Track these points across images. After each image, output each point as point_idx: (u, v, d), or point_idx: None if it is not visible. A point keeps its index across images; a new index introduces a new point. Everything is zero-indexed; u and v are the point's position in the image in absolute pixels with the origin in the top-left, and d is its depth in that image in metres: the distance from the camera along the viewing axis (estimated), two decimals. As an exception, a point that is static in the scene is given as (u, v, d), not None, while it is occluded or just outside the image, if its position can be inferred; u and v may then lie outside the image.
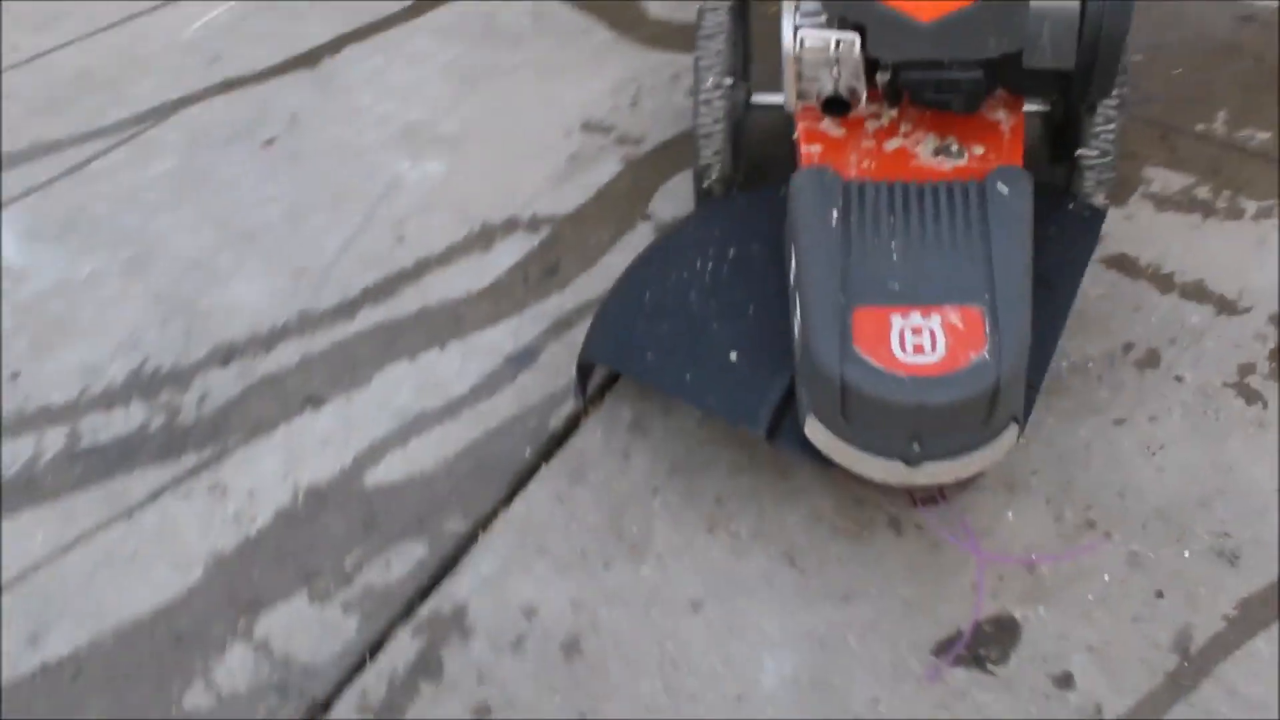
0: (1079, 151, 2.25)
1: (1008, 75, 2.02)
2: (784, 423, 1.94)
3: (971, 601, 1.94)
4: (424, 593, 1.98)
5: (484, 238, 2.55)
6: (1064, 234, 2.21)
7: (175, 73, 3.02)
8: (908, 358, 1.80)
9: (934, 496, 2.03)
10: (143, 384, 2.31)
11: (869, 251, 1.93)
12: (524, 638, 1.92)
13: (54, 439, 2.21)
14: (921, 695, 1.83)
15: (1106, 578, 1.96)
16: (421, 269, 2.49)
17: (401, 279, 2.47)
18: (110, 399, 2.28)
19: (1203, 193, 2.55)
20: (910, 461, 1.84)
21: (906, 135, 2.12)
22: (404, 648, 1.91)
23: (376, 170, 2.72)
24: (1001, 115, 2.15)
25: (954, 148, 2.09)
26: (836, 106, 2.04)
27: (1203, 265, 2.39)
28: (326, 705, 1.86)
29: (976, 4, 1.92)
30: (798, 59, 2.01)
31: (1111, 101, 2.21)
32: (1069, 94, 2.05)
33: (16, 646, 1.93)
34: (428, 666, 1.89)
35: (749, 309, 2.07)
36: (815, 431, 1.89)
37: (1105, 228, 2.32)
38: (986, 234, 1.93)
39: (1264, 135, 2.66)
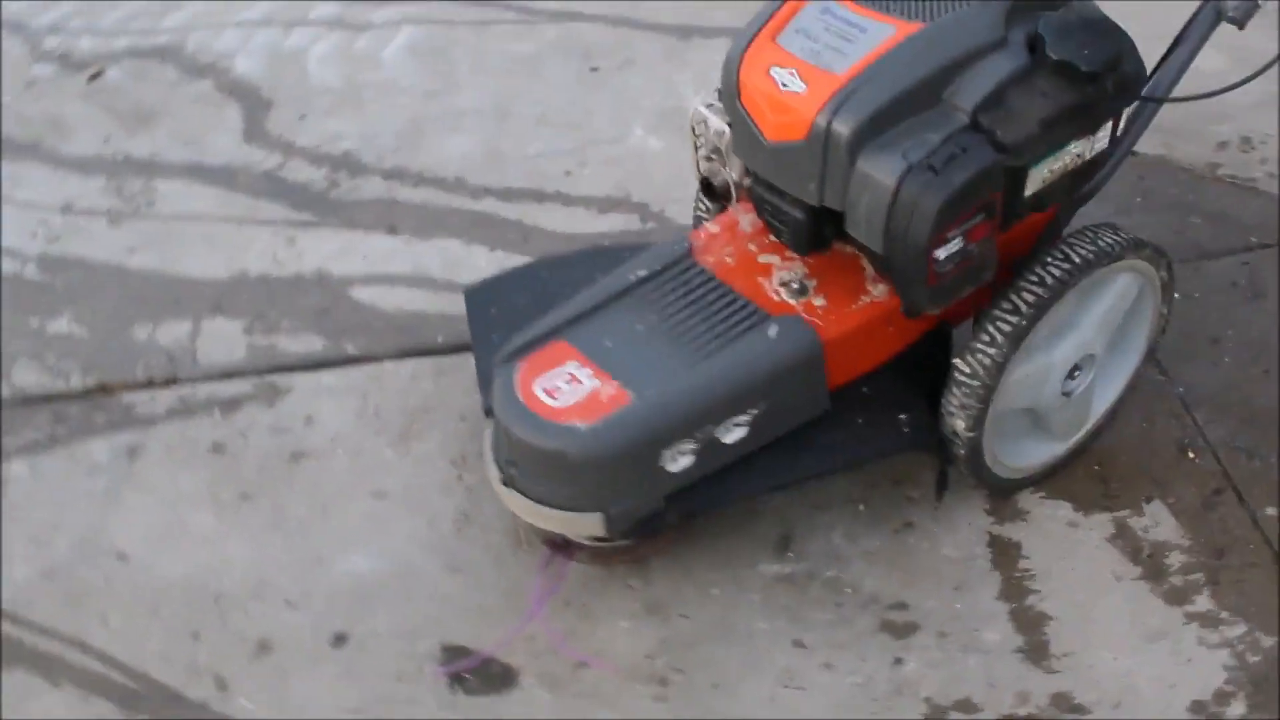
0: (954, 359, 2.12)
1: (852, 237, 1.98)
2: None
3: (499, 638, 2.14)
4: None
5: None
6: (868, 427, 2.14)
7: None
8: (540, 392, 2.02)
9: (570, 554, 2.19)
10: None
11: (626, 309, 2.12)
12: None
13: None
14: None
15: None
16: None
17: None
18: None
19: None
20: (504, 481, 2.08)
21: (784, 258, 2.16)
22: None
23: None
24: (882, 289, 2.09)
25: (803, 286, 2.11)
26: (710, 192, 2.17)
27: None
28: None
29: (807, 139, 1.88)
30: (695, 136, 2.16)
31: (1004, 319, 2.05)
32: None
33: None
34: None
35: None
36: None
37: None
38: (718, 351, 2.02)
39: None
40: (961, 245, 1.91)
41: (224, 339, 2.66)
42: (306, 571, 2.26)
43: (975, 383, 2.07)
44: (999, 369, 2.06)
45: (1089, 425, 2.35)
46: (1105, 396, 2.35)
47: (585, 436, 1.96)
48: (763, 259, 2.16)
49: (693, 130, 2.16)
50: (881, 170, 1.85)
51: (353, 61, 3.35)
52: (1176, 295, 2.57)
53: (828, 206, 1.94)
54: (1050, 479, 2.36)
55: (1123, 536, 2.27)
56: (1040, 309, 2.04)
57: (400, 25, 3.46)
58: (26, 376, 2.60)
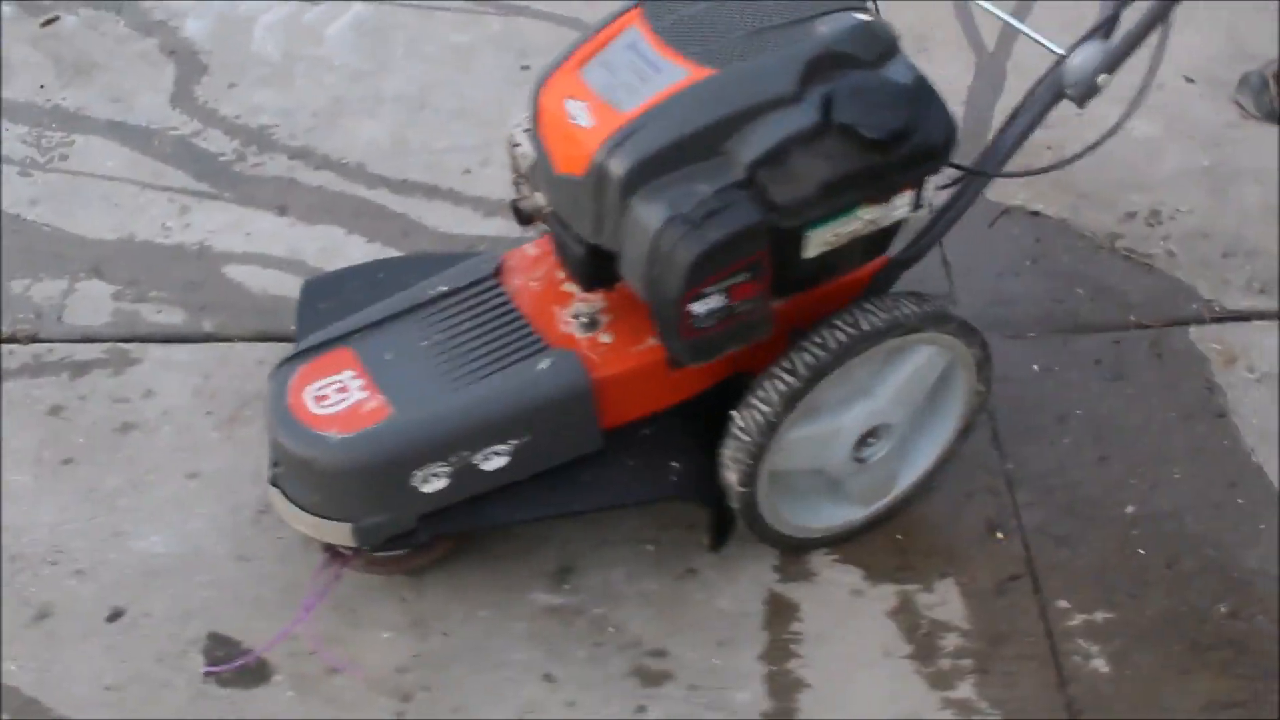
0: (732, 412, 2.08)
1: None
2: None
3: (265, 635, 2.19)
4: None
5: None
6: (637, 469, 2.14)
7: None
8: (308, 397, 2.05)
9: (345, 559, 2.22)
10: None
11: (415, 323, 2.13)
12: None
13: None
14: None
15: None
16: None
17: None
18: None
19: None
20: (270, 480, 2.12)
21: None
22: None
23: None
24: None
25: (594, 320, 2.10)
26: (516, 213, 2.17)
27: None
28: None
29: (585, 175, 1.87)
30: (512, 157, 2.15)
31: (780, 378, 2.02)
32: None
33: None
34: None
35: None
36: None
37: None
38: (486, 377, 2.04)
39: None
40: (724, 302, 1.89)
41: (93, 302, 2.73)
42: (103, 544, 2.32)
43: (748, 438, 2.05)
44: (771, 427, 2.04)
45: (892, 495, 2.31)
46: (912, 468, 2.31)
47: (335, 447, 1.98)
48: (566, 288, 2.16)
49: (511, 156, 2.16)
50: (647, 216, 1.83)
51: (296, 34, 3.39)
52: (1035, 367, 2.52)
53: (605, 247, 1.94)
54: (848, 543, 2.33)
55: (904, 611, 2.24)
56: (818, 373, 2.01)
57: (351, 2, 3.48)
58: (-105, 317, 2.70)
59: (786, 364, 2.01)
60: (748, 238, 1.83)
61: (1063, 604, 2.26)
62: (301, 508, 2.07)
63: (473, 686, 2.14)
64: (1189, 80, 3.23)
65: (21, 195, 2.97)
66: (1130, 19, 1.99)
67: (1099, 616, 2.24)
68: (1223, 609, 2.24)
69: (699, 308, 1.87)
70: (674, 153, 1.84)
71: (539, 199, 2.11)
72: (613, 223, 1.89)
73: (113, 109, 3.18)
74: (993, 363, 2.21)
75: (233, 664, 2.16)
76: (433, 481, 2.02)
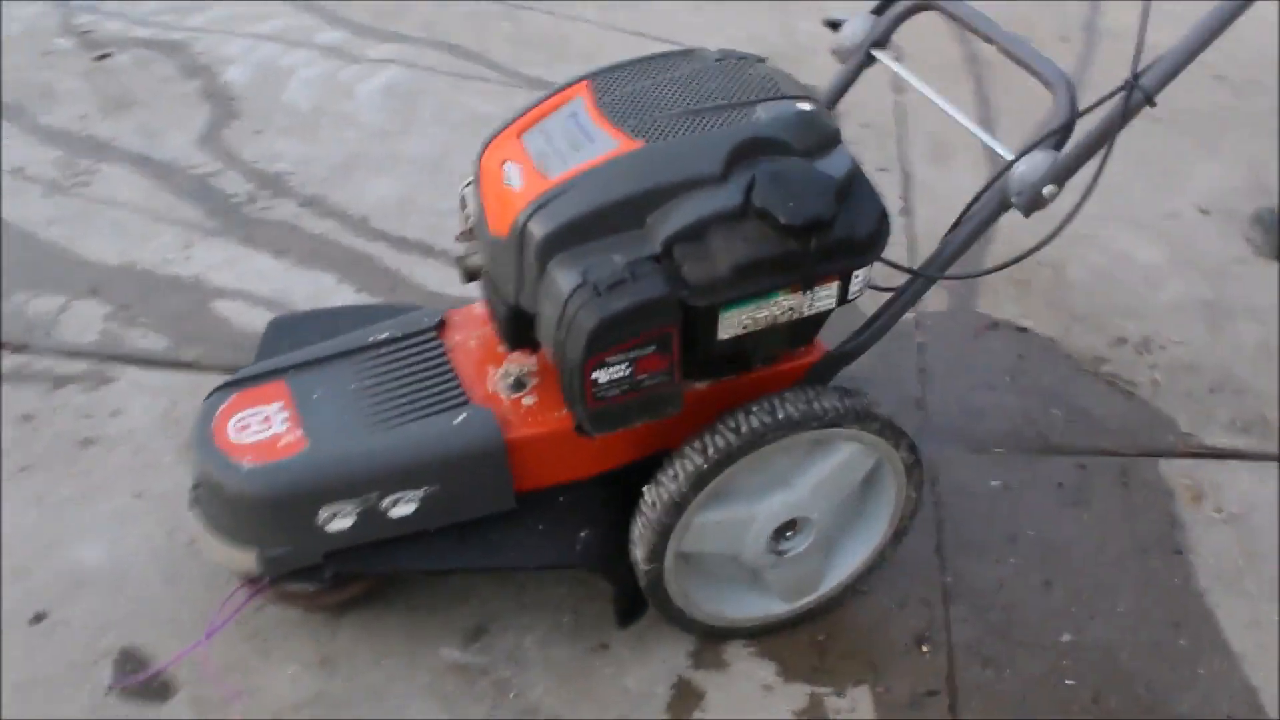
0: (643, 487, 2.07)
1: None
2: None
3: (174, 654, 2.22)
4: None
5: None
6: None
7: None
8: (232, 424, 2.09)
9: (259, 588, 2.24)
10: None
11: (350, 366, 2.17)
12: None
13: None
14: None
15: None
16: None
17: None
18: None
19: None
20: (190, 501, 2.16)
21: (527, 352, 2.15)
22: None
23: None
24: None
25: (520, 381, 2.13)
26: (462, 270, 2.20)
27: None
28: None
29: (508, 237, 1.90)
30: (461, 215, 2.19)
31: (690, 458, 2.00)
32: None
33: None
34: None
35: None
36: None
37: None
38: (403, 425, 2.06)
39: None
40: (628, 373, 1.89)
41: (84, 321, 2.82)
42: (41, 549, 2.37)
43: (654, 514, 2.04)
44: (678, 507, 2.02)
45: (817, 593, 2.27)
46: (839, 569, 2.27)
47: (243, 475, 2.01)
48: (502, 348, 2.18)
49: (460, 209, 2.20)
50: (560, 281, 1.84)
51: (329, 89, 3.50)
52: (995, 483, 2.48)
53: (523, 307, 1.96)
54: (768, 636, 2.29)
55: (812, 712, 2.19)
56: (728, 456, 1.99)
57: (388, 64, 3.59)
58: (-99, 315, 2.81)
59: (698, 444, 2.00)
60: (654, 311, 1.83)
61: (977, 725, 2.19)
62: (214, 532, 2.10)
63: (364, 733, 2.13)
64: (1203, 211, 3.18)
65: (40, 215, 3.09)
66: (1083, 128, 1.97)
67: (1012, 742, 2.16)
68: (1144, 749, 2.15)
69: (602, 375, 1.87)
70: (593, 221, 1.85)
71: (478, 258, 2.15)
72: (531, 285, 1.91)
73: (142, 143, 3.31)
74: (923, 468, 2.17)
75: (137, 677, 2.18)
76: (339, 521, 2.03)
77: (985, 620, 2.33)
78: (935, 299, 2.96)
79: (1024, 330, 2.89)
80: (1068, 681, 2.24)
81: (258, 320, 2.81)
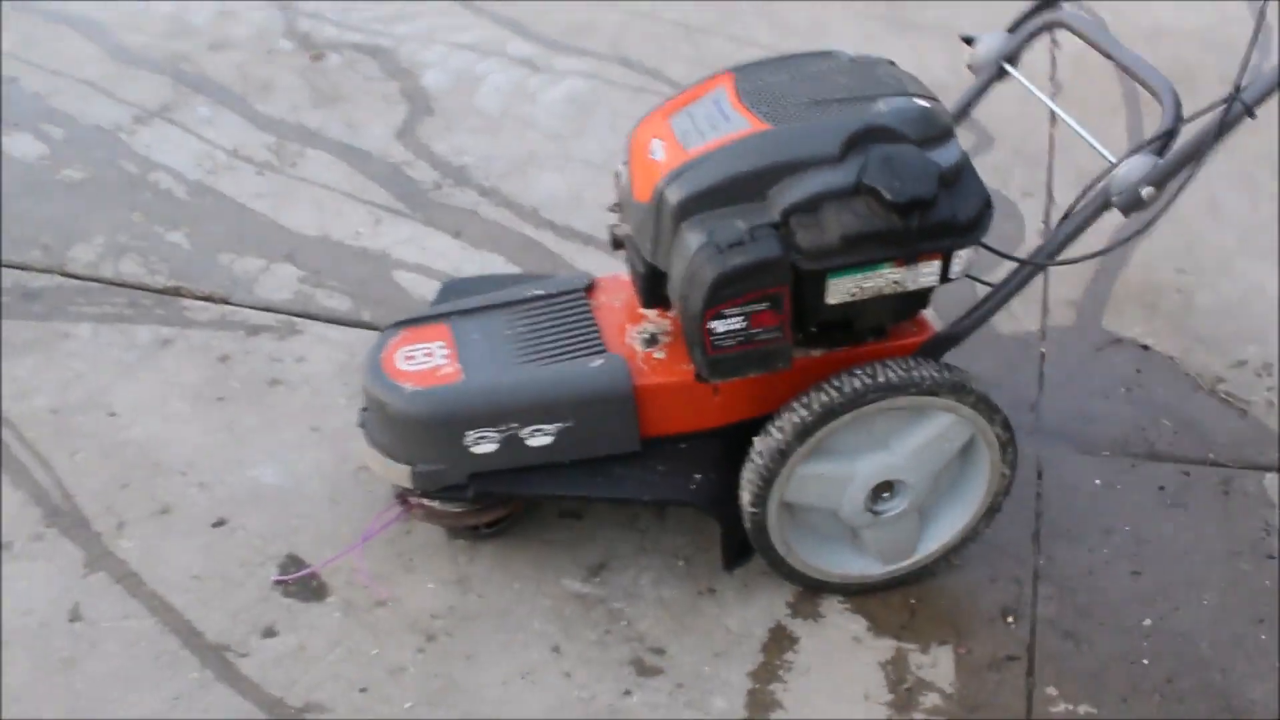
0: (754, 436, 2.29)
1: None
2: None
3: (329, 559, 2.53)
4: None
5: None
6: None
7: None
8: (400, 356, 2.39)
9: (410, 506, 2.53)
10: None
11: (507, 315, 2.45)
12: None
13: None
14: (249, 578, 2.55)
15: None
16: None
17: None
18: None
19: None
20: (359, 422, 2.46)
21: (661, 315, 2.40)
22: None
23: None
24: None
25: (654, 338, 2.37)
26: (612, 238, 2.46)
27: None
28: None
29: (650, 201, 2.15)
30: (616, 187, 2.45)
31: (795, 411, 2.20)
32: None
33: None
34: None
35: None
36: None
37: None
38: (546, 365, 2.33)
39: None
40: (743, 326, 2.12)
41: (281, 281, 3.18)
42: (227, 467, 2.71)
43: (760, 461, 2.26)
44: (781, 455, 2.23)
45: (911, 559, 2.44)
46: (933, 538, 2.44)
47: (405, 396, 2.30)
48: (643, 310, 2.43)
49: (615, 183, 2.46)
50: (690, 241, 2.10)
51: (516, 95, 3.84)
52: (1098, 481, 2.62)
53: (658, 266, 2.21)
54: (862, 596, 2.47)
55: (895, 665, 2.37)
56: (830, 411, 2.19)
57: (572, 76, 3.91)
58: (128, 266, 3.21)
59: (804, 399, 2.22)
60: (768, 270, 2.07)
61: (1051, 691, 2.32)
62: (376, 448, 2.40)
63: (489, 642, 2.39)
64: (1341, 246, 3.25)
65: (251, 189, 3.48)
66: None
67: (1082, 710, 2.30)
68: (1211, 728, 2.26)
69: (719, 326, 2.11)
70: (722, 190, 2.10)
71: (626, 227, 2.40)
72: (666, 245, 2.16)
73: (345, 133, 3.69)
74: (1017, 447, 2.33)
75: (298, 573, 2.49)
76: (483, 445, 2.30)
77: (1071, 600, 2.46)
78: (1062, 314, 3.10)
79: (1146, 348, 3.01)
80: (1144, 661, 2.36)
81: (432, 289, 3.12)
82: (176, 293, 3.14)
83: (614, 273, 2.55)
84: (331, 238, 3.32)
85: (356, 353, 2.96)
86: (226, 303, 3.12)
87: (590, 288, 2.51)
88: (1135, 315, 3.10)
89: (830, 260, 2.09)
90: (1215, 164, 3.53)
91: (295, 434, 2.78)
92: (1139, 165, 2.15)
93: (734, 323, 2.11)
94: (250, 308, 3.11)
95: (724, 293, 2.07)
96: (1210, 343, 3.02)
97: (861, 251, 2.09)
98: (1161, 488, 2.68)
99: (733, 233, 2.07)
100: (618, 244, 2.45)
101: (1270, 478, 2.69)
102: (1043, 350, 3.00)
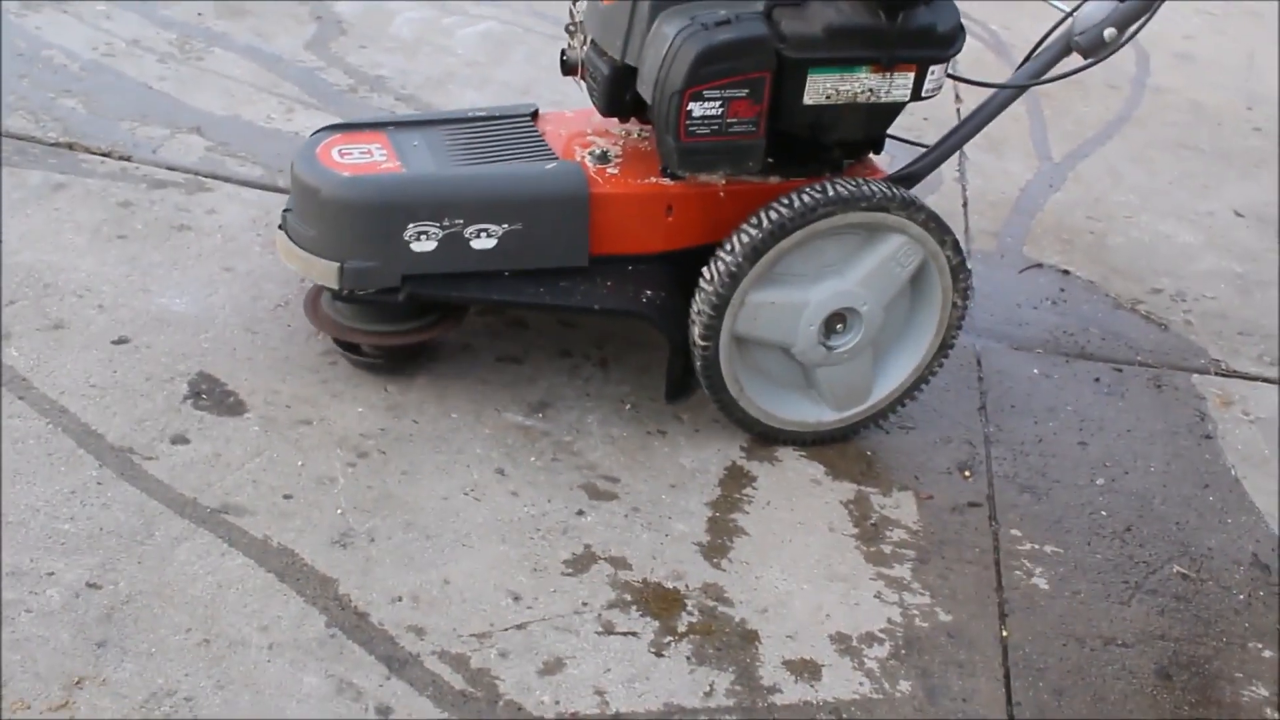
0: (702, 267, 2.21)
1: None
2: None
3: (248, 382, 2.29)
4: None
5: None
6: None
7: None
8: (335, 152, 2.25)
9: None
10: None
11: (448, 129, 2.35)
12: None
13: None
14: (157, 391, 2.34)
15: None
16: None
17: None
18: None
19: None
20: (280, 225, 2.28)
21: (609, 140, 2.33)
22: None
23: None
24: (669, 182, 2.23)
25: (605, 154, 2.28)
26: (562, 63, 2.38)
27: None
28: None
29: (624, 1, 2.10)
30: (571, 11, 2.38)
31: (746, 231, 2.14)
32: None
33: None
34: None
35: None
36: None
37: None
38: (495, 164, 2.24)
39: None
40: (719, 113, 2.06)
41: (188, 148, 2.98)
42: (130, 294, 2.48)
43: (710, 289, 2.17)
44: (732, 279, 2.15)
45: (867, 404, 2.37)
46: (888, 380, 2.37)
47: (341, 181, 2.16)
48: (590, 137, 2.35)
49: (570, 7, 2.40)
50: (670, 27, 2.06)
51: (431, 29, 3.75)
52: (1035, 370, 2.60)
53: (628, 64, 2.15)
54: (817, 447, 2.38)
55: (858, 504, 2.27)
56: (781, 228, 2.13)
57: (487, 20, 3.86)
58: (15, 121, 2.97)
59: (754, 219, 2.15)
60: (752, 49, 2.03)
61: (1015, 533, 2.26)
62: (300, 246, 2.22)
63: (426, 461, 2.21)
64: (1238, 214, 3.39)
65: (151, 73, 3.28)
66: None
67: (1048, 549, 2.24)
68: (1175, 568, 2.22)
69: (696, 109, 2.05)
70: (702, -18, 2.06)
71: (580, 52, 2.33)
72: (639, 40, 2.12)
73: (253, 40, 3.53)
74: (969, 273, 2.30)
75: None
76: (423, 241, 2.16)
77: (1025, 461, 2.43)
78: (984, 242, 3.13)
79: (1066, 273, 3.06)
80: (1102, 513, 2.33)
81: (350, 167, 2.97)
82: (70, 147, 2.91)
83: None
84: (242, 119, 3.15)
85: (272, 210, 2.78)
86: (127, 159, 2.90)
87: (534, 115, 2.42)
88: (1053, 248, 3.16)
89: (813, 51, 2.07)
90: (1115, 144, 3.72)
91: (206, 272, 2.58)
92: (1101, 7, 2.20)
93: (711, 107, 2.06)
94: (154, 165, 2.90)
95: (706, 70, 2.02)
96: (1126, 273, 3.09)
97: (843, 47, 2.08)
98: (1097, 379, 2.69)
99: (717, 15, 2.05)
100: (569, 68, 2.38)
101: (1198, 378, 2.73)
102: (970, 266, 3.01)
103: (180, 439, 2.18)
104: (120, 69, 3.27)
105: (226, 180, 2.89)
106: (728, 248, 2.15)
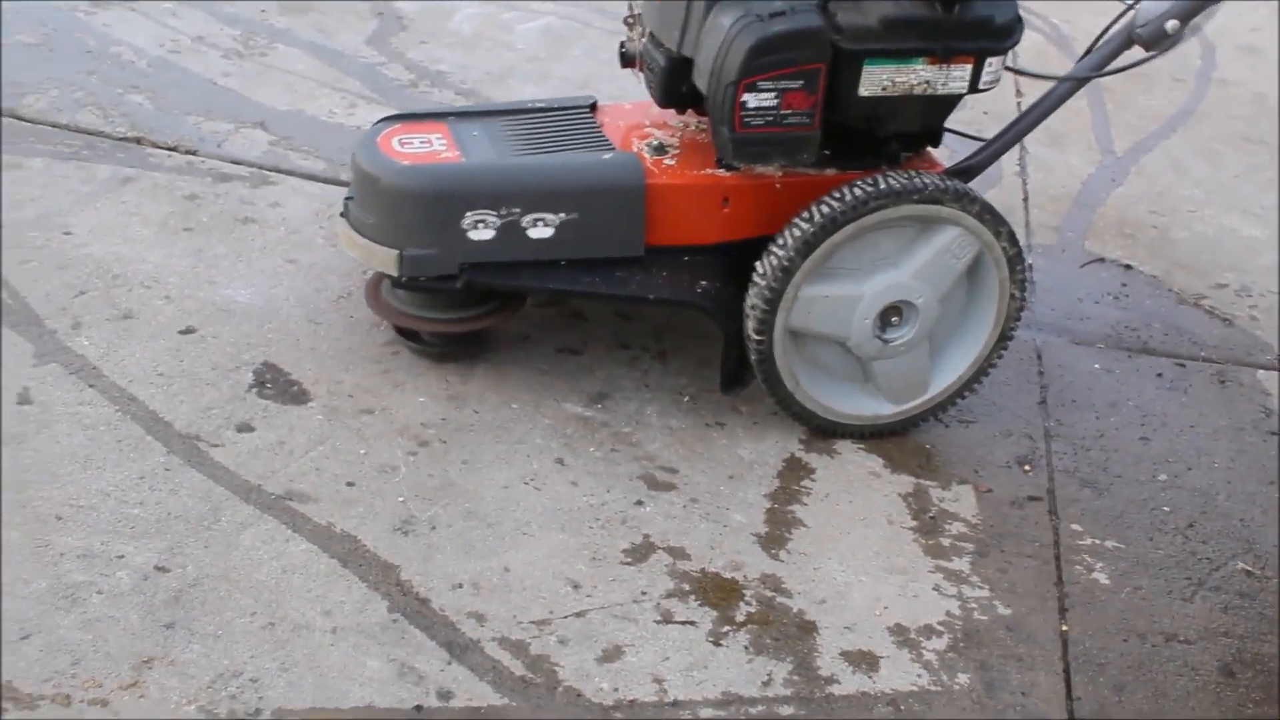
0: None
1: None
2: None
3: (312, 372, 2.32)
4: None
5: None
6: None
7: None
8: (395, 141, 2.27)
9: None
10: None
11: (508, 120, 2.37)
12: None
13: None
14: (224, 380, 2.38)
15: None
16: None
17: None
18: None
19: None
20: (341, 212, 2.31)
21: (666, 132, 2.34)
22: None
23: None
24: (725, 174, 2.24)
25: (663, 147, 2.29)
26: (621, 55, 2.39)
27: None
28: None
29: None
30: (630, 3, 2.40)
31: (798, 225, 2.14)
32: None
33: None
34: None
35: None
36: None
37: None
38: (554, 154, 2.26)
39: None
40: (774, 104, 2.06)
41: (252, 143, 3.02)
42: (195, 285, 2.52)
43: (763, 283, 2.17)
44: (785, 274, 2.15)
45: (924, 397, 2.36)
46: (945, 373, 2.36)
47: (401, 170, 2.18)
48: (648, 129, 2.37)
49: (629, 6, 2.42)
50: (725, 18, 2.07)
51: (491, 25, 3.78)
52: (1096, 365, 2.58)
53: (684, 55, 2.16)
54: (876, 440, 2.38)
55: (917, 497, 2.27)
56: (832, 221, 2.12)
57: (546, 15, 3.88)
58: (85, 117, 3.02)
59: (806, 213, 2.14)
60: (808, 41, 2.04)
61: (1075, 528, 2.25)
62: (361, 233, 2.24)
63: (487, 451, 2.22)
64: (1305, 205, 3.34)
65: (216, 69, 3.33)
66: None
67: (1109, 544, 2.22)
68: (1239, 565, 2.20)
69: (751, 100, 2.05)
70: (760, -25, 2.06)
71: (639, 44, 2.34)
72: (695, 31, 2.13)
73: (315, 36, 3.57)
74: (1026, 264, 2.29)
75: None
76: (480, 230, 2.18)
77: (1085, 456, 2.41)
78: (1045, 236, 3.11)
79: (1128, 267, 3.03)
80: (1165, 509, 2.31)
81: (411, 161, 3.00)
82: (138, 141, 2.96)
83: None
84: (305, 114, 3.19)
85: (334, 204, 2.80)
86: (193, 154, 2.95)
87: (593, 107, 2.43)
88: (1115, 243, 3.13)
89: (868, 43, 2.06)
90: (1179, 138, 3.68)
91: (270, 264, 2.61)
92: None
93: (766, 98, 2.06)
94: (219, 159, 2.94)
95: (762, 61, 2.03)
96: (1190, 268, 3.06)
97: (899, 38, 2.07)
98: (1160, 374, 2.66)
99: (773, 7, 2.05)
100: (627, 61, 2.39)
101: (1263, 374, 2.69)
102: (1030, 261, 2.99)
103: (245, 427, 2.21)
104: (186, 65, 3.32)
105: (290, 174, 2.92)
106: (780, 242, 2.15)
